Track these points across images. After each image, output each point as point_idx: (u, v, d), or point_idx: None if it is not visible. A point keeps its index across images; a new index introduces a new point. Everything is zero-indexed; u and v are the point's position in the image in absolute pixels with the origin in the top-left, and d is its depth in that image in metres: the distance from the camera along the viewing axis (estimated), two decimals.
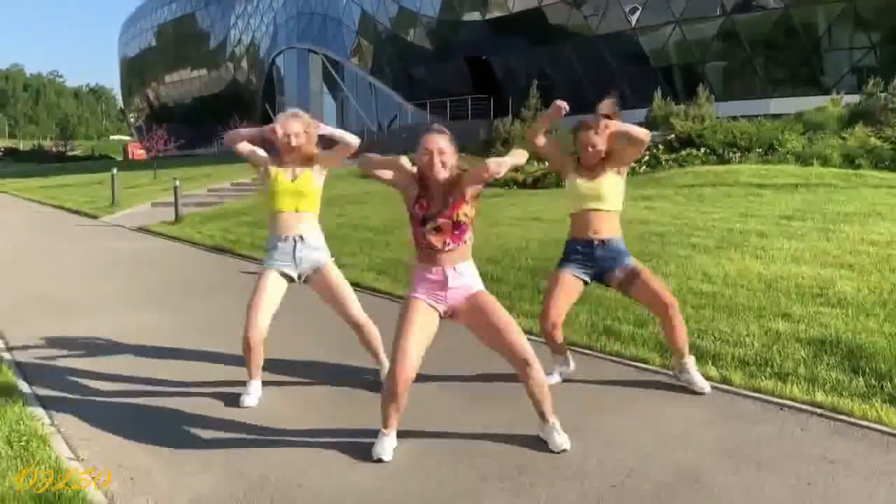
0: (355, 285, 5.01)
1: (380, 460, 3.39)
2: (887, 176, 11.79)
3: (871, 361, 4.31)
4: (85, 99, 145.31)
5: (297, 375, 4.74)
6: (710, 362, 4.55)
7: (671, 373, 4.43)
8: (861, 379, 4.13)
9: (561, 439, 3.48)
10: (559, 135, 18.70)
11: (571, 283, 4.27)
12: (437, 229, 3.42)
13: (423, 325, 3.45)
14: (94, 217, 17.88)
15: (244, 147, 4.37)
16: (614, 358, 4.86)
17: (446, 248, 3.44)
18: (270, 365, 4.48)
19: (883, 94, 15.74)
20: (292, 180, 4.28)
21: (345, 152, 4.35)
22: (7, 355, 5.34)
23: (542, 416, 3.53)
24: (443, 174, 3.37)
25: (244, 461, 3.47)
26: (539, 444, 3.53)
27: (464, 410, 4.06)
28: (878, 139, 13.80)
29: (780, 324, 5.10)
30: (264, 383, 4.37)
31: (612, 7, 25.09)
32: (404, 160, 3.53)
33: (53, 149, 59.26)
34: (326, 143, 4.36)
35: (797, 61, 22.62)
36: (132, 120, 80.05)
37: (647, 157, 14.69)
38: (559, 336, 4.33)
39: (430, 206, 3.43)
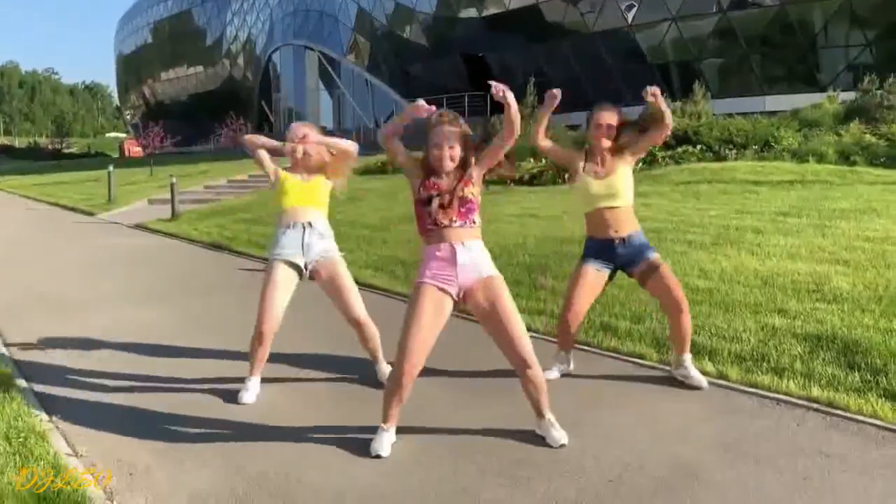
0: None
1: (378, 456, 3.40)
2: (882, 172, 11.82)
3: (867, 357, 4.33)
4: (81, 96, 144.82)
5: (296, 372, 4.75)
6: (706, 358, 4.57)
7: (668, 368, 4.45)
8: (857, 374, 4.15)
9: (559, 434, 3.49)
10: (558, 130, 18.72)
11: (595, 277, 4.29)
12: (443, 206, 3.38)
13: (434, 314, 3.41)
14: (91, 214, 17.85)
15: (262, 154, 4.41)
16: (611, 354, 4.88)
17: (453, 225, 3.39)
18: (270, 361, 4.48)
19: (879, 92, 15.76)
20: (303, 182, 4.32)
21: (346, 159, 4.35)
22: (5, 352, 5.34)
23: (539, 412, 3.55)
24: (450, 166, 3.40)
25: (243, 457, 3.47)
26: (537, 439, 3.54)
27: (462, 406, 4.07)
28: (874, 136, 13.83)
29: (776, 319, 5.12)
30: (263, 380, 4.37)
31: (608, 4, 25.08)
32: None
33: (49, 146, 59.06)
34: None
35: (793, 58, 22.65)
36: (128, 117, 79.81)
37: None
38: (576, 330, 4.39)
39: (436, 183, 3.42)
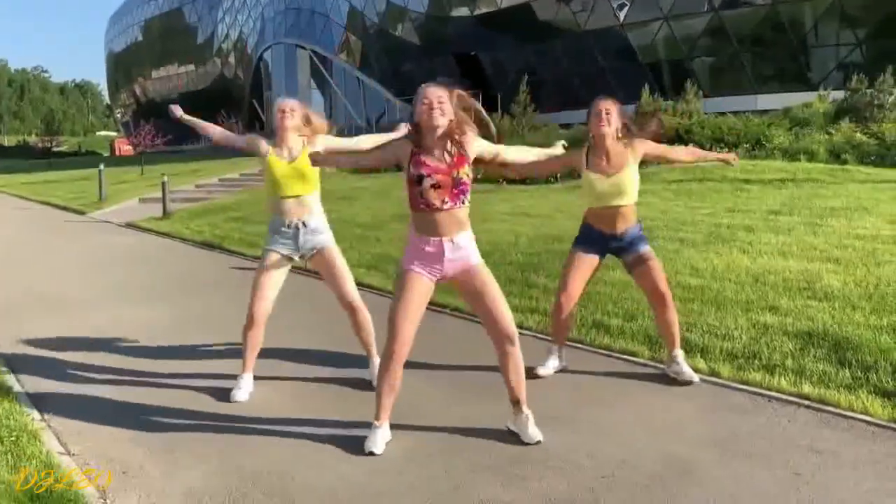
0: None
1: (371, 454, 3.41)
2: (873, 171, 11.88)
3: (858, 353, 4.36)
4: (71, 94, 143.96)
5: (291, 370, 4.74)
6: (698, 355, 4.59)
7: (661, 366, 4.47)
8: (847, 371, 4.18)
9: (534, 430, 3.50)
10: (550, 129, 18.74)
11: (586, 262, 4.35)
12: (436, 186, 3.34)
13: (420, 301, 3.45)
14: (82, 213, 17.77)
15: (244, 139, 4.46)
16: (604, 351, 4.90)
17: (444, 207, 3.36)
18: (263, 359, 4.47)
19: (869, 91, 15.84)
20: (289, 162, 4.25)
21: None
22: None
23: (517, 404, 3.55)
24: (441, 120, 3.34)
25: (237, 455, 3.47)
26: None
27: (454, 404, 4.07)
28: (864, 135, 13.91)
29: (767, 317, 5.15)
30: (257, 378, 4.37)
31: (600, 3, 25.09)
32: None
33: (39, 144, 58.64)
34: None
35: (784, 57, 22.73)
36: (119, 116, 79.41)
37: None
38: (569, 317, 4.43)
39: (428, 162, 3.36)
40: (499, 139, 3.66)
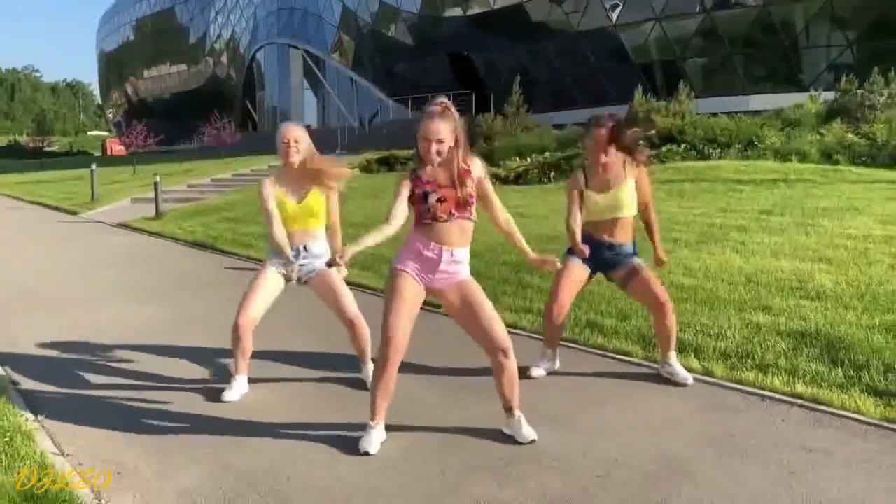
0: None
1: (366, 454, 3.41)
2: (864, 171, 11.94)
3: (850, 353, 4.39)
4: (62, 94, 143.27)
5: (286, 370, 4.74)
6: (692, 355, 4.61)
7: (654, 365, 4.49)
8: (840, 370, 4.21)
9: (528, 430, 3.52)
10: (543, 129, 18.76)
11: (578, 271, 4.36)
12: (441, 200, 3.37)
13: (413, 302, 3.46)
14: (74, 213, 17.71)
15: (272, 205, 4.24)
16: (598, 351, 4.91)
17: (452, 219, 3.39)
18: (258, 360, 4.47)
19: (859, 92, 15.92)
20: (298, 202, 4.21)
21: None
22: None
23: (510, 409, 3.56)
24: (436, 160, 3.36)
25: (232, 455, 3.47)
26: None
27: (449, 404, 4.08)
28: (855, 135, 13.98)
29: (760, 317, 5.17)
30: (252, 379, 4.36)
31: (592, 4, 25.18)
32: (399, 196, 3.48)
33: (31, 144, 58.37)
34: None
35: (776, 58, 22.84)
36: (110, 116, 79.14)
37: None
38: (561, 324, 4.44)
39: (429, 179, 3.39)
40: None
